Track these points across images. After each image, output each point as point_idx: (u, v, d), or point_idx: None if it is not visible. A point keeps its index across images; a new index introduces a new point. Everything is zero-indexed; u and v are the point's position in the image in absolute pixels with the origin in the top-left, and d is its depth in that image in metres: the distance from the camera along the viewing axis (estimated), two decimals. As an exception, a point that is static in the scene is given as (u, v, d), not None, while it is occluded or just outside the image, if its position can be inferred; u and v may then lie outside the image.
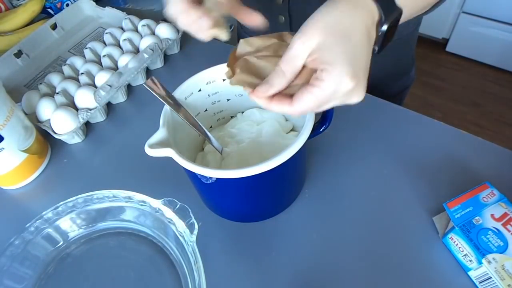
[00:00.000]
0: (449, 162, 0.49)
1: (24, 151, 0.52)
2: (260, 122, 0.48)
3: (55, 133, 0.56)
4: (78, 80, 0.63)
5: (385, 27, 0.33)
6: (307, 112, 0.34)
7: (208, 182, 0.39)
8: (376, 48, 0.34)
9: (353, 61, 0.31)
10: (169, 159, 0.38)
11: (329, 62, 0.30)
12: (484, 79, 1.82)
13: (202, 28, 0.37)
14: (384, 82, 0.69)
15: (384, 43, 0.34)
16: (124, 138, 0.59)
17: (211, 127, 0.51)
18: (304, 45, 0.31)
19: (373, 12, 0.32)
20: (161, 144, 0.38)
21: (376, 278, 0.41)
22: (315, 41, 0.31)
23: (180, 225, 0.39)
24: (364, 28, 0.31)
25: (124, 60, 0.63)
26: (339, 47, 0.30)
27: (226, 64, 0.38)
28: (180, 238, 0.39)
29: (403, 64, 0.72)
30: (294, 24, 0.63)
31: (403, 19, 0.35)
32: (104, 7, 0.78)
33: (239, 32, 0.78)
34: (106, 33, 0.69)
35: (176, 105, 0.41)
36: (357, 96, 0.32)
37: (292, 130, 0.49)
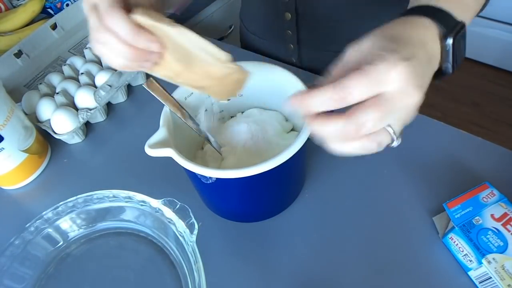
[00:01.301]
0: (449, 162, 0.49)
1: (24, 151, 0.52)
2: (260, 122, 0.48)
3: (55, 133, 0.56)
4: (78, 80, 0.63)
5: (450, 41, 0.31)
6: (363, 122, 0.27)
7: (208, 182, 0.39)
8: (449, 65, 0.32)
9: (407, 58, 0.27)
10: (169, 159, 0.38)
11: (383, 51, 0.27)
12: (484, 79, 1.82)
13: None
14: None
15: (456, 58, 0.32)
16: (124, 138, 0.59)
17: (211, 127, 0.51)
18: (354, 49, 0.29)
19: (431, 28, 0.31)
20: (161, 144, 0.38)
21: (376, 278, 0.41)
22: (366, 44, 0.28)
23: (180, 225, 0.39)
24: (419, 35, 0.30)
25: (124, 60, 0.63)
26: (392, 44, 0.28)
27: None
28: (180, 238, 0.39)
29: None
30: (300, 21, 0.63)
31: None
32: (104, 7, 0.77)
33: (242, 30, 0.78)
34: (106, 33, 0.69)
35: (176, 105, 0.41)
36: (412, 97, 0.27)
37: (292, 130, 0.49)
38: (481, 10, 0.40)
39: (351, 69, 0.26)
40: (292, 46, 0.67)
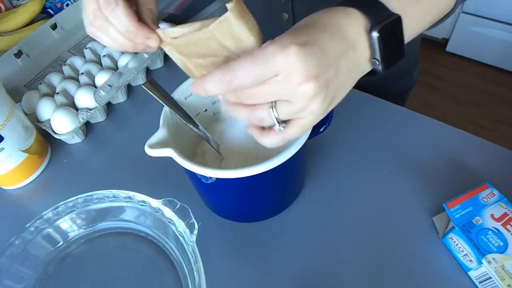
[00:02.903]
0: (449, 162, 0.49)
1: (24, 151, 0.52)
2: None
3: (55, 133, 0.56)
4: (78, 80, 0.63)
5: (375, 34, 0.28)
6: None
7: (208, 182, 0.39)
8: (377, 61, 0.30)
9: (302, 43, 0.25)
10: (169, 159, 0.38)
11: (280, 36, 0.26)
12: (484, 79, 1.82)
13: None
14: (386, 83, 0.68)
15: (386, 56, 0.30)
16: (124, 138, 0.59)
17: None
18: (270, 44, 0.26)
19: (357, 18, 0.29)
20: (161, 144, 0.38)
21: (376, 278, 0.41)
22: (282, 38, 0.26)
23: (180, 225, 0.39)
24: (337, 24, 0.28)
25: (124, 60, 0.63)
26: (297, 31, 0.27)
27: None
28: (180, 238, 0.39)
29: (406, 65, 0.71)
30: (297, 21, 0.62)
31: (415, 30, 0.32)
32: (104, 7, 0.78)
33: None
34: (106, 33, 0.69)
35: (175, 106, 0.41)
36: (300, 84, 0.25)
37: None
38: (453, 8, 0.38)
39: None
40: None
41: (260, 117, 0.29)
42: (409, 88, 0.75)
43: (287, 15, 0.62)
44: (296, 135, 0.30)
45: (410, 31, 0.32)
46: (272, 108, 0.28)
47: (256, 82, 0.26)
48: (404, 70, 0.71)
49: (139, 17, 0.32)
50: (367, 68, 0.31)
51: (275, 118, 0.28)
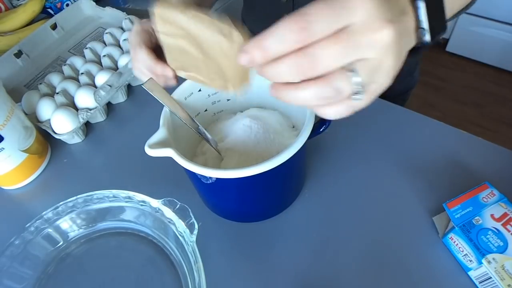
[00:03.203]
0: (449, 162, 0.49)
1: (24, 151, 0.52)
2: (260, 120, 0.48)
3: (55, 133, 0.56)
4: (78, 80, 0.63)
5: (421, 3, 0.27)
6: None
7: (208, 182, 0.39)
8: (424, 31, 0.28)
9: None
10: (169, 159, 0.38)
11: None
12: (484, 79, 1.82)
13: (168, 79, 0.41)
14: None
15: (433, 27, 0.27)
16: (124, 138, 0.59)
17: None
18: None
19: None
20: (161, 144, 0.38)
21: (376, 278, 0.41)
22: None
23: (180, 225, 0.39)
24: None
25: (124, 60, 0.63)
26: None
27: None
28: (180, 238, 0.39)
29: (406, 65, 0.71)
30: (296, 6, 0.62)
31: (452, 6, 0.31)
32: (104, 7, 0.78)
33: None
34: (106, 33, 0.69)
35: (175, 106, 0.41)
36: (380, 31, 0.23)
37: (292, 129, 0.49)
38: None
39: None
40: None
41: (336, 87, 0.25)
42: (409, 88, 0.75)
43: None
44: (365, 104, 0.27)
45: (450, 6, 0.31)
46: (352, 71, 0.24)
47: (331, 31, 0.23)
48: (404, 70, 0.71)
49: (159, 57, 0.40)
50: (413, 40, 0.29)
51: (357, 83, 0.25)
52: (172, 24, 0.33)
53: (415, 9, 0.27)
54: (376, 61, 0.25)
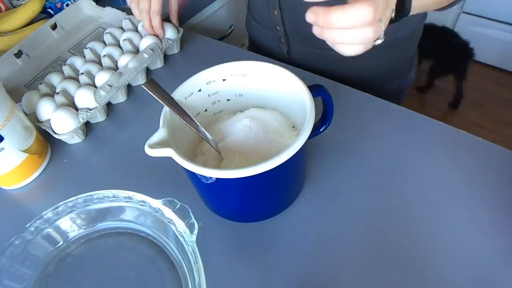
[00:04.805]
0: (449, 162, 0.49)
1: (24, 151, 0.52)
2: (260, 120, 0.48)
3: (55, 133, 0.56)
4: (78, 80, 0.63)
5: None
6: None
7: (208, 182, 0.39)
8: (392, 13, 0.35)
9: None
10: (169, 159, 0.38)
11: None
12: (484, 79, 1.82)
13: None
14: (379, 82, 0.69)
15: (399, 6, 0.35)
16: (124, 138, 0.59)
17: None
18: None
19: None
20: (161, 144, 0.38)
21: (376, 278, 0.41)
22: None
23: (180, 225, 0.39)
24: None
25: (124, 60, 0.63)
26: None
27: (221, 65, 0.39)
28: (180, 238, 0.39)
29: (399, 66, 0.72)
30: (285, 18, 0.65)
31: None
32: (104, 7, 0.78)
33: (248, 19, 0.81)
34: (106, 33, 0.69)
35: (175, 106, 0.41)
36: None
37: (292, 129, 0.49)
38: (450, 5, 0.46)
39: None
40: (282, 40, 0.70)
41: (367, 33, 0.31)
42: (403, 89, 0.76)
43: (276, 12, 0.65)
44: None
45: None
46: (381, 20, 0.32)
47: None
48: (396, 71, 0.72)
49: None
50: None
51: (382, 30, 0.33)
52: None
53: None
54: (389, 11, 0.34)
